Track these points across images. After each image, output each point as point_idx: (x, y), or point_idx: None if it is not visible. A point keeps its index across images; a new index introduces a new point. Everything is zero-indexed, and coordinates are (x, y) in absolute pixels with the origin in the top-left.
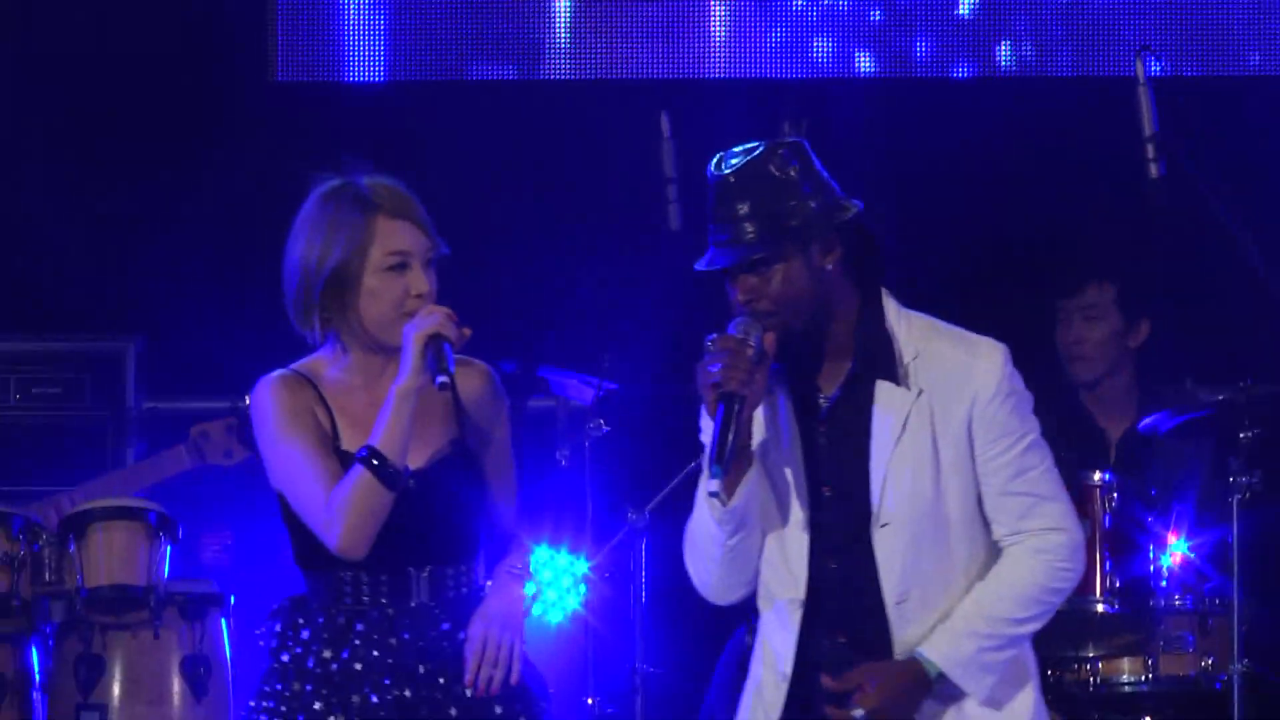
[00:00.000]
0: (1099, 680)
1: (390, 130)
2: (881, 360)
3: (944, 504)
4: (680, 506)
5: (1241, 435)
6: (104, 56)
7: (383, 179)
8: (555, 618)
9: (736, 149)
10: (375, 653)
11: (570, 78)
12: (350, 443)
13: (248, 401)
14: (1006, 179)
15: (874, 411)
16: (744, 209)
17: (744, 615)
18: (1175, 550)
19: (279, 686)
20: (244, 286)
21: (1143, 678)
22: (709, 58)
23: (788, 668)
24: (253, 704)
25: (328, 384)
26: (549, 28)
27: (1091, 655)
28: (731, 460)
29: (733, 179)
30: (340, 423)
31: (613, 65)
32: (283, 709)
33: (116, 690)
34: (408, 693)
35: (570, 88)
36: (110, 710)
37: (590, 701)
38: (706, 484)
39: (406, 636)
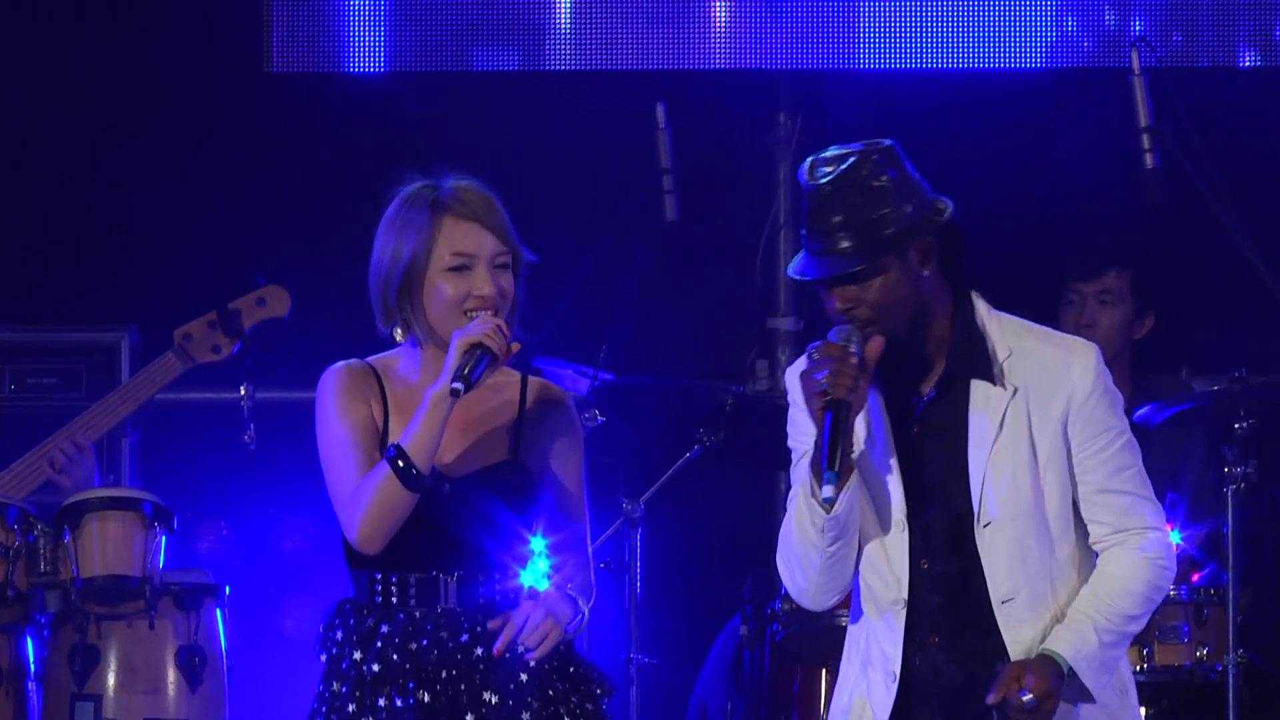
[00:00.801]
0: None
1: (390, 120)
2: (976, 360)
3: (1043, 503)
4: (675, 497)
5: (1236, 426)
6: (100, 49)
7: (466, 181)
8: None
9: (827, 155)
10: (395, 656)
11: (571, 68)
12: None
13: (242, 391)
14: (1002, 171)
15: (970, 411)
16: (839, 219)
17: (739, 605)
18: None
19: (321, 687)
20: (237, 278)
21: (1138, 668)
22: (709, 48)
23: (897, 668)
24: (313, 705)
25: (394, 379)
26: (551, 17)
27: None
28: (844, 466)
29: (828, 189)
30: (393, 420)
31: (614, 55)
32: (323, 709)
33: (111, 680)
34: (426, 697)
35: (570, 78)
36: (105, 700)
37: None
38: (820, 491)
39: (425, 642)
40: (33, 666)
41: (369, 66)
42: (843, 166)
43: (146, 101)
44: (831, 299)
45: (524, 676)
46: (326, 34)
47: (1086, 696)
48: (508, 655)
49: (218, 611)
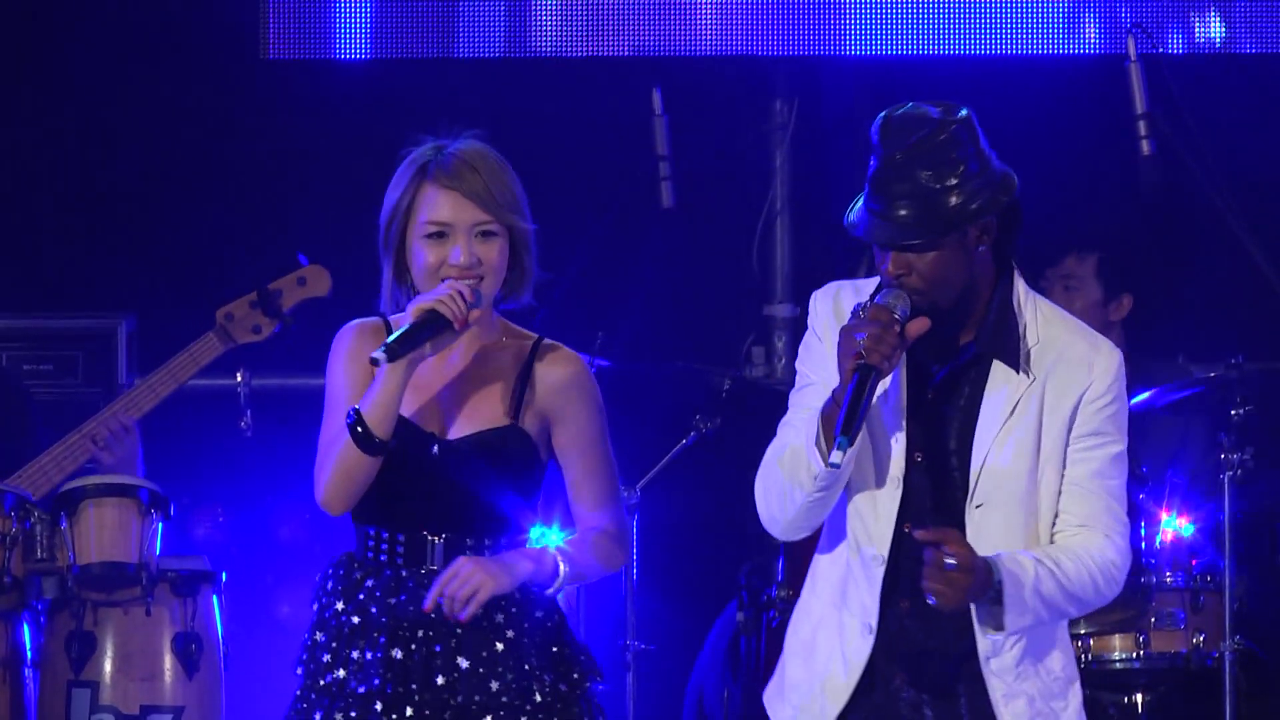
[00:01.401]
0: (1090, 657)
1: (378, 107)
2: (1004, 341)
3: (1037, 494)
4: (671, 484)
5: (1233, 412)
6: (97, 37)
7: (469, 145)
8: None
9: (902, 115)
10: (374, 609)
11: (559, 55)
12: None
13: (239, 377)
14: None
15: (986, 390)
16: (905, 188)
17: (736, 592)
18: (1166, 527)
19: (305, 636)
20: (234, 264)
21: (1134, 655)
22: (700, 34)
23: (874, 621)
24: (298, 653)
25: None
26: (538, 3)
27: (1083, 632)
28: (857, 432)
29: (899, 157)
30: None
31: (603, 42)
32: (304, 656)
33: (108, 667)
34: (399, 654)
35: (560, 65)
36: (102, 687)
37: None
38: (830, 454)
39: (404, 598)
40: (30, 653)
41: (358, 53)
42: (918, 135)
43: (144, 89)
44: (886, 260)
45: (500, 646)
46: (321, 21)
47: (997, 623)
48: (484, 624)
49: (214, 598)
